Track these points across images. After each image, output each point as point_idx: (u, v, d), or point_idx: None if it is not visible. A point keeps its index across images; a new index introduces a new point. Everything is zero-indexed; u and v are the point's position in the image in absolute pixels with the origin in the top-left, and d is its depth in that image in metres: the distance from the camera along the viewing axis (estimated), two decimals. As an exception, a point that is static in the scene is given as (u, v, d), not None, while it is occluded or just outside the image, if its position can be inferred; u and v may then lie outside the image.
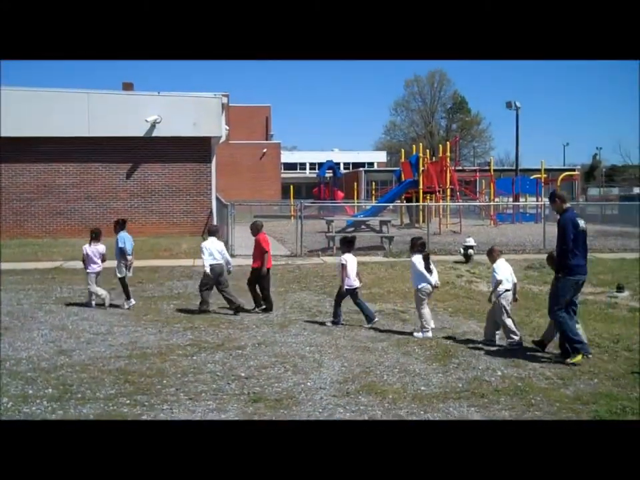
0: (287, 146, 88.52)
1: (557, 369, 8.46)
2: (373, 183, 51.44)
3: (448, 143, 34.47)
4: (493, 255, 10.13)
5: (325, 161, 61.96)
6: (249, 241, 17.95)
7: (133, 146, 26.75)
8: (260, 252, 12.34)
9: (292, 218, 38.47)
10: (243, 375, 8.17)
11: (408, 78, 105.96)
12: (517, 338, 9.58)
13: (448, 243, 23.37)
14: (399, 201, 32.78)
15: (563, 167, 66.87)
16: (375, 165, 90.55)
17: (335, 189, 51.90)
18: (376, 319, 11.04)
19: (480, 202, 32.28)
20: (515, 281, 10.01)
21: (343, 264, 11.04)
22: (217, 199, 27.31)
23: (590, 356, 8.85)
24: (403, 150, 40.14)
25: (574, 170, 56.88)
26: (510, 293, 9.80)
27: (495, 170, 43.71)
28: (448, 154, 32.23)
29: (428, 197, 31.47)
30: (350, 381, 7.91)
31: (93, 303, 12.55)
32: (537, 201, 35.10)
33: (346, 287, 11.04)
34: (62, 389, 7.56)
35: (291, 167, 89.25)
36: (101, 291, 12.59)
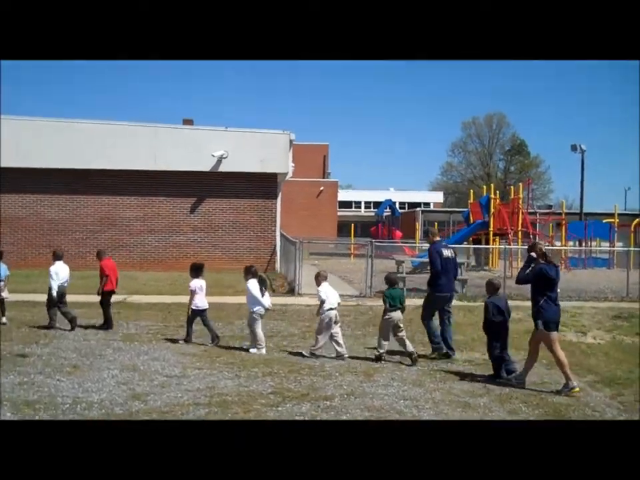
0: (342, 184, 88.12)
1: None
2: (436, 224, 50.46)
3: (520, 184, 33.51)
4: (318, 279, 11.73)
5: (382, 200, 61.29)
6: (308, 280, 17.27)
7: (198, 180, 26.40)
8: (103, 277, 13.88)
9: (351, 257, 37.74)
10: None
11: (465, 119, 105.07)
12: (318, 352, 11.25)
13: (523, 287, 22.19)
14: (466, 242, 31.80)
15: (624, 212, 64.92)
16: (432, 205, 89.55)
17: (393, 228, 51.07)
18: (217, 341, 12.18)
19: (552, 246, 30.99)
20: (339, 301, 11.82)
21: (192, 290, 12.26)
22: (282, 235, 26.72)
23: (449, 353, 11.58)
24: (471, 190, 39.24)
25: (641, 215, 54.88)
26: (333, 312, 11.33)
27: (558, 213, 42.47)
28: (520, 195, 31.24)
29: (497, 239, 30.45)
30: (459, 443, 7.05)
31: None
32: (610, 246, 33.74)
33: (193, 307, 12.27)
34: (141, 440, 6.85)
35: (346, 205, 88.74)
36: None
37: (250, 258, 26.26)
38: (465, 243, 31.59)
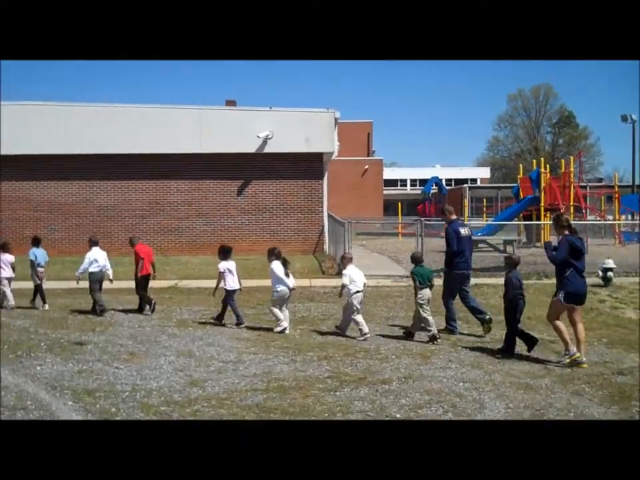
0: (386, 162, 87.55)
1: None
2: (484, 200, 49.79)
3: (571, 157, 32.70)
4: (343, 261, 11.90)
5: (428, 178, 60.71)
6: (366, 262, 17.14)
7: (244, 162, 26.36)
8: (138, 261, 14.10)
9: (399, 236, 37.48)
10: (398, 415, 7.25)
11: (511, 92, 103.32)
12: (366, 330, 11.22)
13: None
14: (516, 219, 31.22)
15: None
16: (478, 181, 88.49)
17: (440, 206, 50.52)
18: (244, 324, 12.31)
19: (604, 220, 30.34)
20: (365, 282, 11.71)
21: (221, 271, 12.54)
22: (330, 216, 26.58)
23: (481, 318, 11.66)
24: (521, 165, 38.53)
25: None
26: (360, 294, 11.39)
27: (610, 186, 41.51)
28: (571, 169, 30.54)
29: (548, 215, 29.86)
30: (524, 427, 6.88)
31: (9, 304, 14.12)
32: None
33: (227, 288, 12.47)
34: (202, 428, 6.83)
35: (391, 183, 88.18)
36: (10, 296, 14.22)
37: (298, 239, 26.28)
38: (516, 219, 31.07)
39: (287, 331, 11.67)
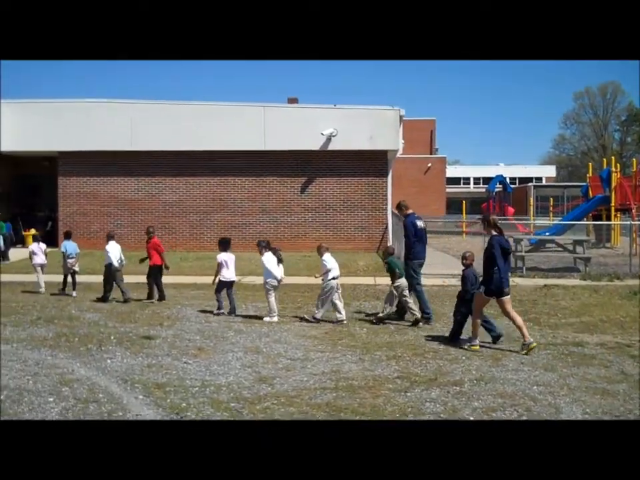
0: (449, 160, 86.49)
1: None
2: (551, 199, 48.74)
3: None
4: (320, 250, 12.71)
5: (492, 176, 59.77)
6: (431, 260, 16.92)
7: (307, 159, 26.33)
8: (155, 253, 15.09)
9: (463, 234, 36.99)
10: (471, 418, 7.06)
11: (577, 90, 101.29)
12: (343, 317, 12.29)
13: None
14: (585, 219, 30.42)
15: None
16: (543, 179, 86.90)
17: (505, 204, 49.66)
18: (234, 314, 13.07)
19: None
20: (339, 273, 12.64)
21: (219, 262, 13.33)
22: (394, 214, 26.35)
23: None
24: (590, 164, 37.62)
25: None
26: (335, 281, 12.36)
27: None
28: (644, 167, 29.67)
29: (619, 215, 29.04)
30: (604, 434, 6.63)
31: (41, 290, 16.00)
32: None
33: (220, 279, 13.27)
34: (272, 426, 6.76)
35: (454, 181, 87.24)
36: (42, 281, 16.11)
37: (361, 237, 26.15)
38: (585, 219, 30.30)
39: (275, 319, 12.50)
